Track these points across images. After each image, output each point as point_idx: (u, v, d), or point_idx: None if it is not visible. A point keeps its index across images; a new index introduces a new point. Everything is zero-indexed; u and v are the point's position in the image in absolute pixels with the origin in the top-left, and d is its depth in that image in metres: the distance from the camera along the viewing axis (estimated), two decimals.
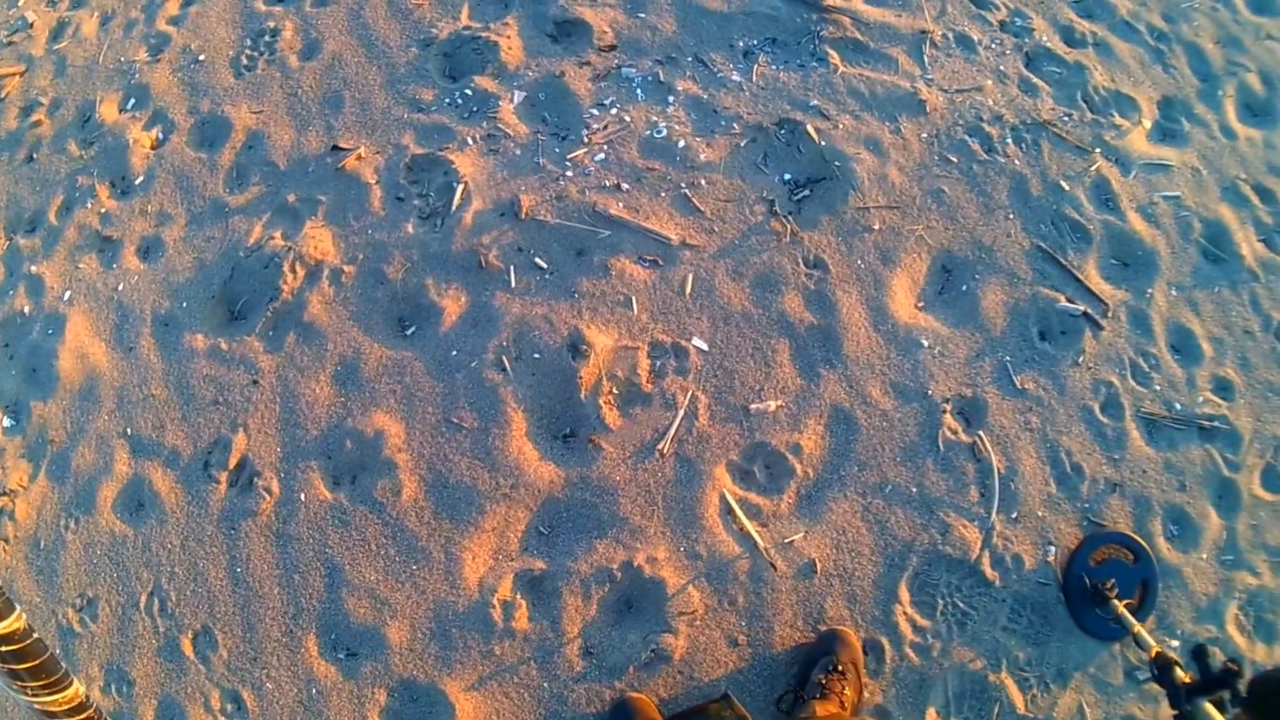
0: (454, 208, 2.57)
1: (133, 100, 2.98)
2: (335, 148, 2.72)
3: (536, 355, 2.39)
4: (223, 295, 2.57)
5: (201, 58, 2.98)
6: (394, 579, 2.22)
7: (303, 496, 2.30)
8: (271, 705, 2.14)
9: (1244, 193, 2.80)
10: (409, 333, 2.47)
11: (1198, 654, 1.60)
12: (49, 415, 2.50)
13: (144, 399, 2.48)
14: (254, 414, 2.40)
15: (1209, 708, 1.51)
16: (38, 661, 0.56)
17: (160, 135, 2.90)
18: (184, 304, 2.58)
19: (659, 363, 2.40)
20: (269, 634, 2.20)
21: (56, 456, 2.45)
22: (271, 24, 2.99)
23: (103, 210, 2.79)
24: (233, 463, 2.36)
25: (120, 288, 2.65)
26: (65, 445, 2.46)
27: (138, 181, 2.81)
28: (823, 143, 2.64)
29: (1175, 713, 1.60)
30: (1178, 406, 2.46)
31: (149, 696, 2.16)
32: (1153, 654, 1.74)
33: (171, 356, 2.52)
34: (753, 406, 2.35)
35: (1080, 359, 2.46)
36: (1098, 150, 2.76)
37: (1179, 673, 1.63)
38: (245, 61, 2.95)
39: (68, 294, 2.66)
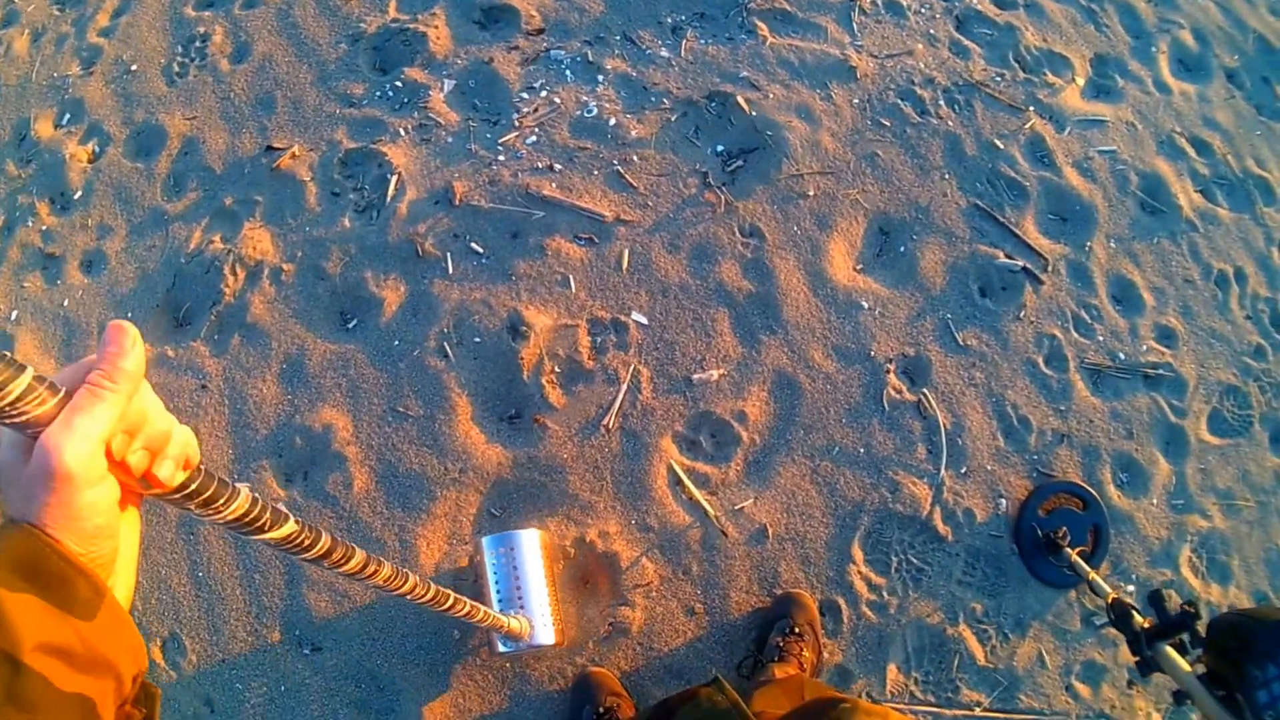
0: (389, 199, 2.56)
1: (68, 115, 2.95)
2: (269, 148, 2.70)
3: (477, 339, 2.38)
4: (167, 303, 2.55)
5: (134, 68, 2.96)
6: None
7: (256, 496, 2.28)
8: (243, 705, 2.13)
9: (1180, 145, 2.82)
10: (351, 326, 2.46)
11: (1154, 599, 1.60)
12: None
13: None
14: (204, 418, 2.38)
15: (1170, 651, 1.51)
16: (209, 493, 0.63)
17: (96, 148, 2.87)
18: (129, 314, 2.55)
19: (599, 339, 2.39)
20: (235, 635, 2.18)
21: None
22: (201, 29, 2.98)
23: (44, 227, 2.76)
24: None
25: (66, 303, 2.62)
26: None
27: (77, 196, 2.79)
28: (754, 113, 2.65)
29: (1137, 658, 1.59)
30: (1122, 356, 2.47)
31: None
32: (1109, 600, 1.74)
33: None
34: (695, 377, 2.34)
35: (1022, 314, 2.47)
36: (1031, 109, 2.77)
37: (1137, 618, 1.63)
38: (177, 69, 2.93)
39: (14, 314, 2.63)
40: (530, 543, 2.02)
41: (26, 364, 0.48)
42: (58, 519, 0.51)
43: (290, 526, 0.72)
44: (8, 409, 0.48)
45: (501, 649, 1.96)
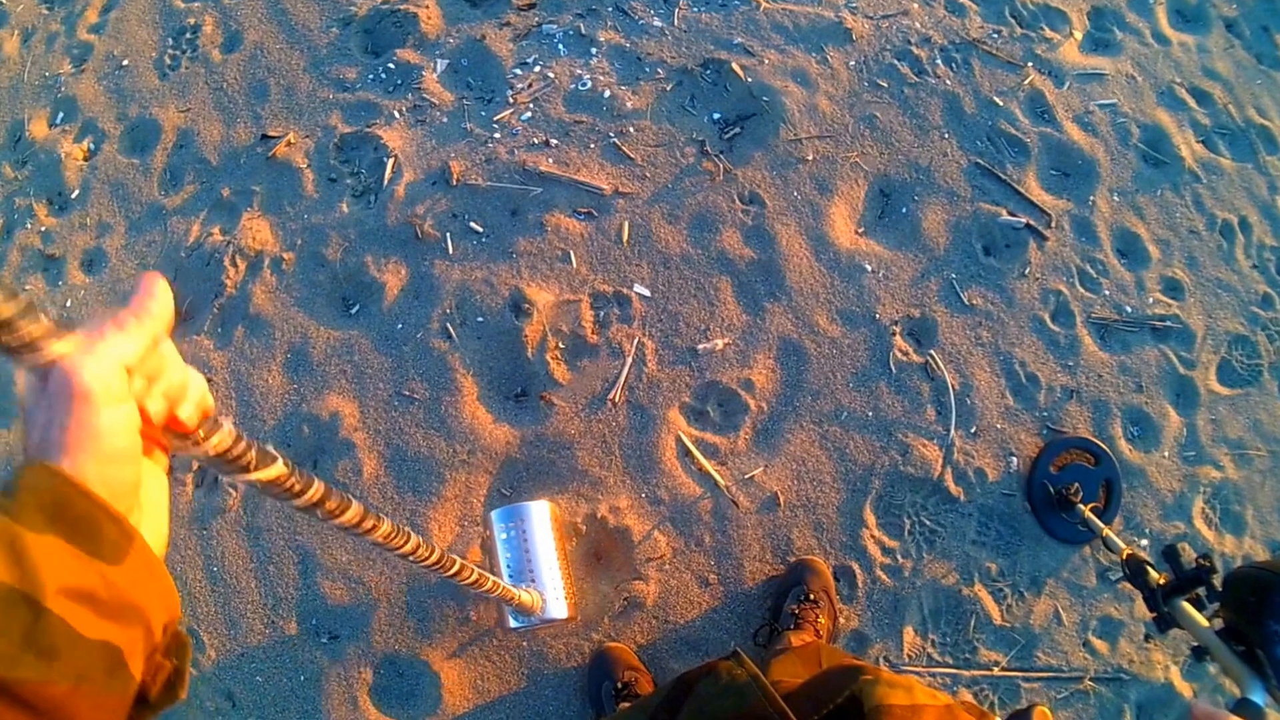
0: (386, 182, 2.55)
1: (61, 114, 2.94)
2: (264, 136, 2.69)
3: (480, 319, 2.37)
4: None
5: (125, 63, 2.94)
6: (364, 558, 2.21)
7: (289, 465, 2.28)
8: (264, 698, 2.14)
9: (1180, 96, 2.79)
10: (353, 311, 2.45)
11: (1169, 554, 1.58)
12: (14, 442, 2.47)
13: None
14: None
15: (1187, 607, 1.50)
16: (243, 461, 0.65)
17: (92, 146, 2.86)
18: None
19: (602, 313, 2.38)
20: (252, 627, 2.19)
21: None
22: (191, 20, 2.96)
23: (43, 229, 2.76)
24: (196, 464, 2.35)
25: (69, 304, 2.62)
26: None
27: (74, 195, 2.78)
28: (749, 79, 2.62)
29: (1154, 615, 1.58)
30: (1128, 309, 2.45)
31: None
32: (1124, 556, 1.72)
33: None
34: (700, 347, 2.34)
35: (1027, 270, 2.46)
36: (1030, 64, 2.74)
37: (1152, 574, 1.62)
38: (169, 61, 2.92)
39: None
40: (540, 515, 1.99)
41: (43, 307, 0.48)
42: (77, 441, 0.50)
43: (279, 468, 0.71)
44: (25, 347, 0.47)
45: (513, 624, 1.91)
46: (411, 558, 1.04)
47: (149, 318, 0.53)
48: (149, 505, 0.58)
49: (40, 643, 0.45)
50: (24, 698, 0.44)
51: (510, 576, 1.94)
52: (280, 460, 0.71)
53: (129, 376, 0.52)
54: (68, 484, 0.49)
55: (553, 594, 1.92)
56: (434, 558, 1.09)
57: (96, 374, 0.49)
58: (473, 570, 1.27)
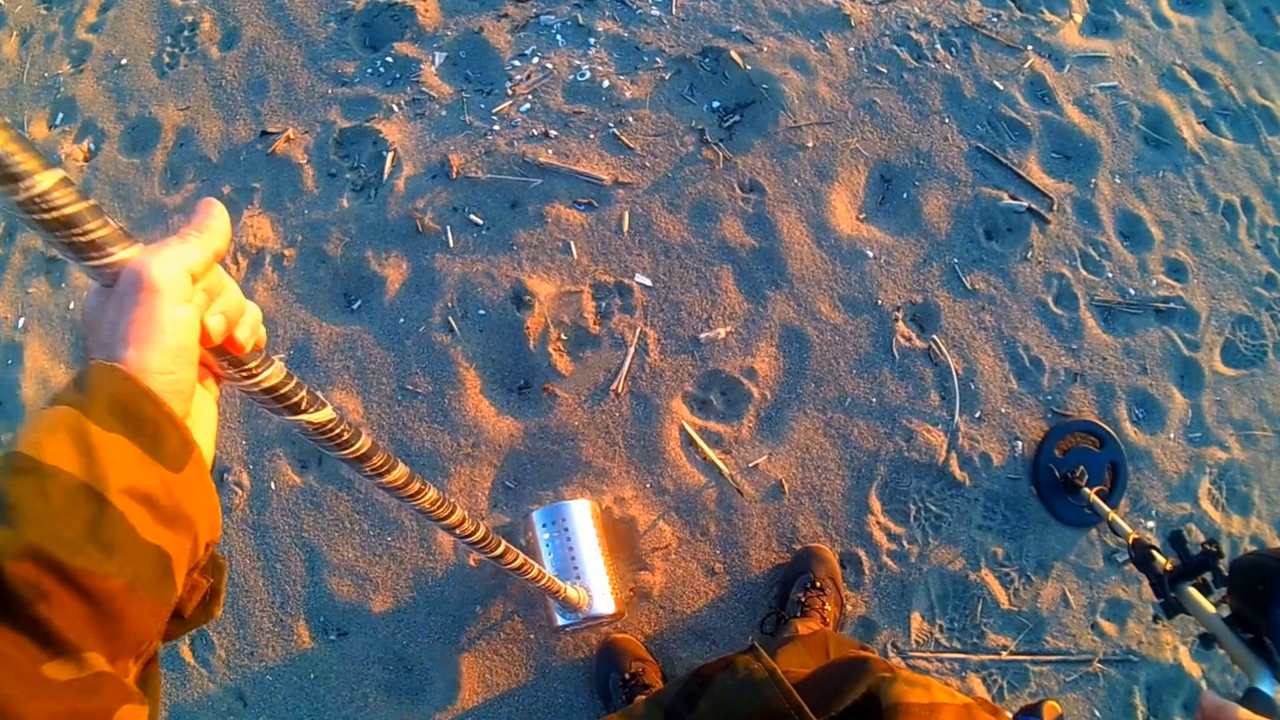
0: (385, 176, 2.54)
1: (61, 115, 2.94)
2: (264, 133, 2.69)
3: (482, 312, 2.37)
4: None
5: (124, 62, 2.94)
6: (371, 554, 2.21)
7: (273, 485, 2.29)
8: (275, 697, 2.14)
9: (1181, 78, 2.78)
10: (355, 307, 2.45)
11: (1175, 540, 1.57)
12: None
13: None
14: None
15: (1194, 593, 1.49)
16: (294, 399, 0.68)
17: (92, 146, 2.86)
18: None
19: (604, 303, 2.38)
20: (261, 626, 2.19)
21: None
22: (189, 18, 2.96)
23: None
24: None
25: (73, 306, 2.62)
26: None
27: None
28: (748, 67, 2.61)
29: (1161, 600, 1.57)
30: (1132, 291, 2.45)
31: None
32: (1130, 541, 1.71)
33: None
34: (703, 336, 2.33)
35: (1029, 254, 2.45)
36: (1030, 48, 2.73)
37: (1159, 559, 1.61)
38: (167, 59, 2.92)
39: (21, 320, 2.63)
40: (582, 512, 2.01)
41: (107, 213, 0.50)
42: (144, 334, 0.51)
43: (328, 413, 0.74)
44: (91, 246, 0.49)
45: (561, 622, 1.93)
46: (457, 531, 1.04)
47: (211, 231, 0.55)
48: (199, 424, 0.59)
49: (102, 536, 0.46)
50: (84, 586, 0.45)
51: (556, 576, 1.94)
52: (329, 408, 0.73)
53: (192, 282, 0.53)
54: (136, 387, 0.50)
55: (599, 590, 1.94)
56: (479, 535, 1.09)
57: (164, 271, 0.51)
58: (518, 555, 1.27)
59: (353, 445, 0.78)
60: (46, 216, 0.46)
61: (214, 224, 0.56)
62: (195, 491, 0.54)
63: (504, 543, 1.19)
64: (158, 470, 0.50)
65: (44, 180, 0.45)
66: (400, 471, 0.87)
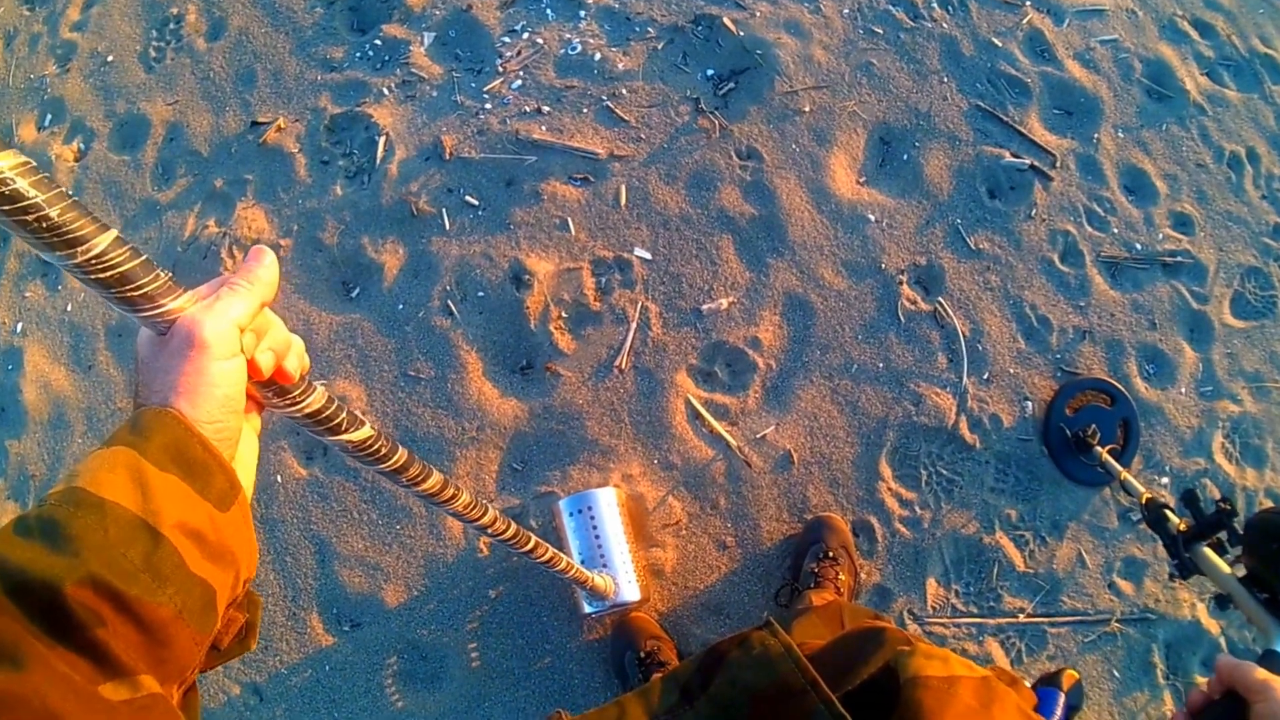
0: (378, 161, 2.51)
1: (49, 116, 2.92)
2: (254, 123, 2.66)
3: (481, 294, 2.35)
4: None
5: (110, 59, 2.91)
6: (381, 543, 2.20)
7: (279, 478, 2.27)
8: (291, 690, 2.14)
9: (1182, 29, 2.73)
10: (354, 295, 2.43)
11: (1188, 499, 1.54)
12: (25, 451, 2.46)
13: (111, 414, 2.44)
14: None
15: (1209, 553, 1.46)
16: (335, 421, 0.72)
17: (82, 146, 2.84)
18: None
19: (604, 279, 2.35)
20: (274, 620, 2.18)
21: (40, 490, 2.41)
22: (174, 10, 2.92)
23: None
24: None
25: (69, 308, 2.60)
26: (46, 477, 2.42)
27: None
28: (741, 33, 2.57)
29: (1175, 561, 1.55)
30: (1138, 246, 2.41)
31: None
32: (1143, 500, 1.69)
33: (130, 366, 2.47)
34: (705, 307, 2.31)
35: (1033, 212, 2.41)
36: (1028, 3, 2.69)
37: (1172, 519, 1.58)
38: (154, 54, 2.89)
39: (19, 325, 2.61)
40: (607, 500, 2.01)
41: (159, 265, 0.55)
42: (191, 386, 0.56)
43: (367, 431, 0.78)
44: (145, 299, 0.54)
45: (588, 609, 1.95)
46: (490, 530, 1.09)
47: (260, 283, 0.60)
48: (241, 464, 0.64)
49: (156, 567, 0.50)
50: (138, 613, 0.49)
51: (582, 564, 1.95)
52: (368, 425, 0.78)
53: (240, 334, 0.58)
54: (188, 431, 0.55)
55: (625, 578, 1.95)
56: (510, 532, 1.14)
57: (215, 329, 0.56)
58: (548, 549, 1.32)
59: (391, 459, 0.83)
60: (104, 275, 0.50)
61: (263, 274, 0.61)
62: (239, 530, 0.58)
63: (534, 539, 1.24)
64: (206, 509, 0.55)
65: (101, 242, 0.49)
66: (435, 479, 0.91)
